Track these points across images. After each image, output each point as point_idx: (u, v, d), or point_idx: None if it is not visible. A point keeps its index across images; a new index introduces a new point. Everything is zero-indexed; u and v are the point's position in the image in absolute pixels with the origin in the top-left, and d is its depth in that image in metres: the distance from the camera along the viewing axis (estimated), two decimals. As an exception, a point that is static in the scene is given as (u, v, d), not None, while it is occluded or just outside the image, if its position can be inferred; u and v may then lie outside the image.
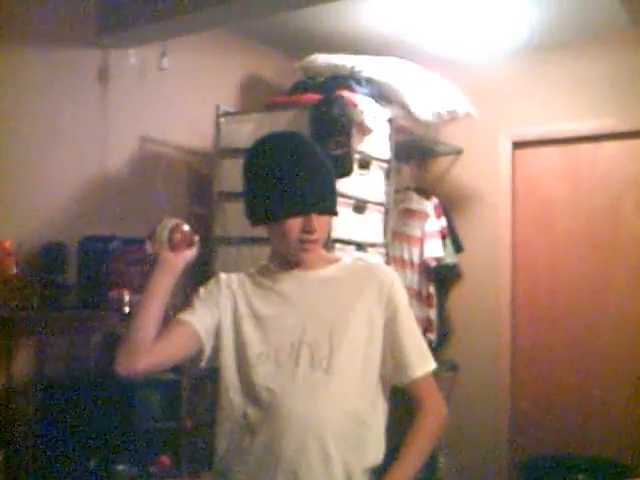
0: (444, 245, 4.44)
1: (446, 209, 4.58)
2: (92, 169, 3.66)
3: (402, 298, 1.95)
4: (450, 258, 4.50)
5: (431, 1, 3.81)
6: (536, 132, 4.53)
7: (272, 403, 1.84)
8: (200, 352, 1.91)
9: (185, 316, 1.91)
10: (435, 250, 4.36)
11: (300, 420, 1.82)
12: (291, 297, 1.93)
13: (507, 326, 4.52)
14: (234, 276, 1.99)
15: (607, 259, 4.33)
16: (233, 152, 3.84)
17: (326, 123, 3.40)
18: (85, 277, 3.43)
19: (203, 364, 1.93)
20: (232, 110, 4.05)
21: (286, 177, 1.84)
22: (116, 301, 3.29)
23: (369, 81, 3.88)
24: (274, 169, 1.85)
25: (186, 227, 1.93)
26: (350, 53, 4.05)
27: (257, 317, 1.91)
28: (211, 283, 1.99)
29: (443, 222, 4.48)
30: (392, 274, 2.00)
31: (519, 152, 4.62)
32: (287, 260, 1.94)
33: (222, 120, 3.93)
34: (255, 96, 4.36)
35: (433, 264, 4.38)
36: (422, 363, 1.92)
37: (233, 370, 1.91)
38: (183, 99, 4.04)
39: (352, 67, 3.89)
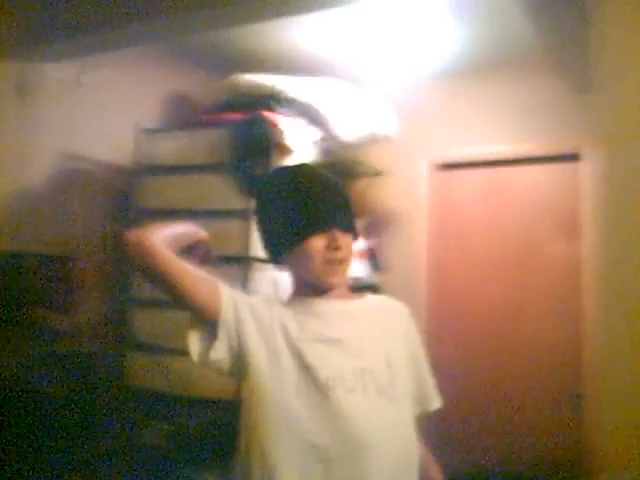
0: (366, 265, 4.47)
1: (368, 229, 4.61)
2: (9, 185, 3.59)
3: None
4: (369, 278, 4.53)
5: (355, 23, 3.86)
6: (456, 155, 4.61)
7: (353, 433, 1.76)
8: (210, 321, 1.81)
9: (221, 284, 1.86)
10: (356, 270, 4.38)
11: (386, 452, 1.78)
12: (341, 324, 1.89)
13: (424, 346, 4.53)
14: (273, 301, 1.93)
15: (522, 283, 4.40)
16: (154, 169, 3.82)
17: (246, 143, 3.42)
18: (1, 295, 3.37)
19: (219, 354, 1.80)
20: (154, 127, 4.03)
21: (305, 198, 1.85)
22: (35, 319, 3.24)
23: (291, 101, 3.88)
24: (291, 193, 1.86)
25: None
26: (275, 72, 4.06)
27: (315, 341, 1.84)
28: (256, 299, 1.92)
29: (365, 242, 4.51)
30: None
31: (439, 174, 4.68)
32: (316, 289, 1.90)
33: (143, 137, 3.90)
34: (178, 114, 4.34)
35: (353, 284, 4.39)
36: (437, 395, 2.03)
37: (296, 396, 1.78)
38: (104, 115, 3.99)
39: (274, 87, 3.90)
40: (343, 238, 1.87)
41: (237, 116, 3.65)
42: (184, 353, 3.61)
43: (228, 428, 3.53)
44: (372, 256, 4.56)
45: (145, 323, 3.71)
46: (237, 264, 3.45)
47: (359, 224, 4.40)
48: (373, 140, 4.19)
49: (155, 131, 3.97)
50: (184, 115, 4.20)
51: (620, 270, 2.49)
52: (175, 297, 1.81)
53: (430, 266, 4.66)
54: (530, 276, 4.39)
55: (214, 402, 3.43)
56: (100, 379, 3.64)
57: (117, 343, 3.82)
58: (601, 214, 2.45)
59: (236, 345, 1.81)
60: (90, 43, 3.55)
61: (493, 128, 4.50)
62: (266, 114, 3.60)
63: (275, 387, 1.79)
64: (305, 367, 1.80)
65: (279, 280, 3.58)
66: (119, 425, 3.70)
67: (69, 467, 3.40)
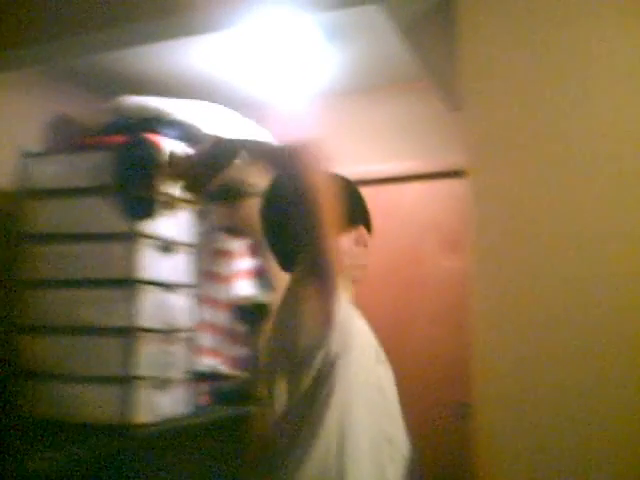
0: (256, 284, 4.49)
1: (258, 248, 4.64)
2: None
3: None
4: (261, 296, 4.55)
5: (240, 45, 3.92)
6: (345, 174, 4.67)
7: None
8: None
9: None
10: (245, 289, 4.41)
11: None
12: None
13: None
14: None
15: (410, 298, 4.52)
16: (37, 193, 3.78)
17: (129, 165, 3.42)
18: None
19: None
20: (38, 151, 3.98)
21: (339, 193, 1.86)
22: None
23: (176, 123, 3.91)
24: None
25: None
26: (160, 95, 4.08)
27: None
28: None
29: (254, 261, 4.53)
30: None
31: (327, 193, 4.74)
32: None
33: (27, 161, 3.86)
34: (63, 137, 4.30)
35: (243, 303, 4.42)
36: None
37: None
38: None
39: (160, 109, 3.91)
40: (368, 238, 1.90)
41: (122, 139, 3.65)
42: (71, 379, 3.57)
43: (117, 453, 3.52)
44: (262, 275, 4.58)
45: (32, 349, 3.65)
46: (121, 287, 3.45)
47: (246, 244, 4.43)
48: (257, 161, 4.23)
49: (39, 154, 3.93)
50: (68, 138, 4.17)
51: (499, 282, 2.63)
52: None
53: (320, 283, 4.69)
54: (417, 291, 4.50)
55: (103, 428, 3.40)
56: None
57: (3, 370, 3.75)
58: (479, 229, 2.56)
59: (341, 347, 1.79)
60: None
61: (378, 147, 4.61)
62: (150, 136, 3.61)
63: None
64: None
65: (167, 303, 3.59)
66: (6, 453, 3.63)
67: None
